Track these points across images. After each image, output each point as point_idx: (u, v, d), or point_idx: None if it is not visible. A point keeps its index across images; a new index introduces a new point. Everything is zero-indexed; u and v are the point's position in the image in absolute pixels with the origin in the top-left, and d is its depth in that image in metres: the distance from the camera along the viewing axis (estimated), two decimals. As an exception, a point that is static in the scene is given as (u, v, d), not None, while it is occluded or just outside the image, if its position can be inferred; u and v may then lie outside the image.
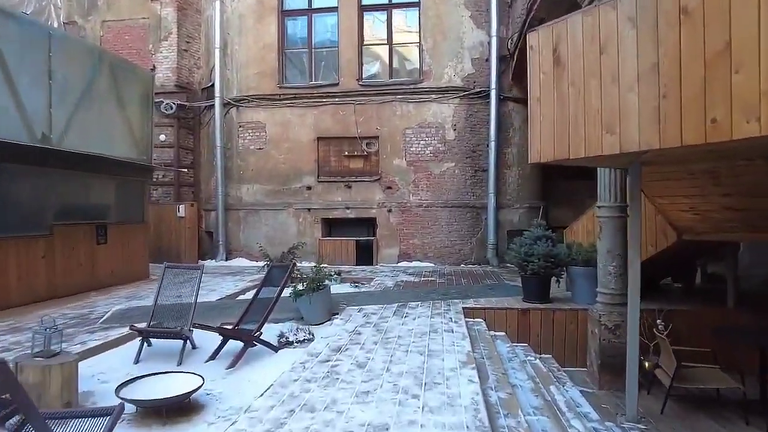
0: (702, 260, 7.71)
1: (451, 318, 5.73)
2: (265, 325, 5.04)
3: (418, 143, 11.55)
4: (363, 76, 11.88)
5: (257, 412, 3.05)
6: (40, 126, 6.87)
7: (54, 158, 7.15)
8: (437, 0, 11.44)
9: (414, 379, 3.64)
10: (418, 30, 11.69)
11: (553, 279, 6.56)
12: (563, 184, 11.81)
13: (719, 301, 6.36)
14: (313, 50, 12.25)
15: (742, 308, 6.09)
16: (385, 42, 11.98)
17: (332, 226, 12.16)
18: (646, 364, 5.21)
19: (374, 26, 12.19)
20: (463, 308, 6.25)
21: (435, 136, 11.50)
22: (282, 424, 2.88)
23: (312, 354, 4.36)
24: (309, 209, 11.93)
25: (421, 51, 11.60)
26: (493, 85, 11.09)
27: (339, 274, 9.35)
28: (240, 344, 4.73)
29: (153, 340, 4.94)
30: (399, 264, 11.38)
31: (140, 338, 4.80)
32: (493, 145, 11.14)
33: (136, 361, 4.65)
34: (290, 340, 5.15)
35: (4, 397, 2.10)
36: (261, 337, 4.88)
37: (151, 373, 3.83)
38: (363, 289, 8.23)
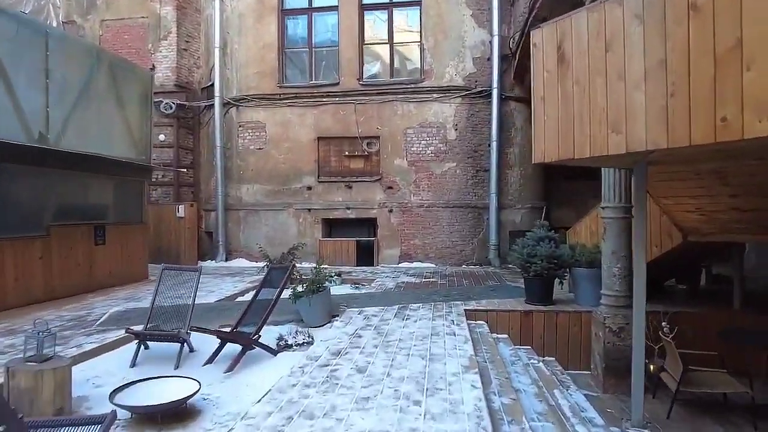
0: (707, 261, 7.61)
1: (452, 320, 5.65)
2: (264, 327, 4.97)
3: (419, 143, 11.46)
4: (364, 76, 11.80)
5: (254, 419, 2.97)
6: (37, 125, 6.79)
7: (51, 158, 7.07)
8: (438, -1, 11.36)
9: (415, 385, 3.56)
10: (419, 29, 11.60)
11: (556, 281, 6.48)
12: (565, 185, 11.74)
13: (725, 302, 6.28)
14: (313, 49, 12.17)
15: (749, 309, 6.00)
16: (386, 41, 11.90)
17: (333, 227, 12.07)
18: (651, 368, 5.12)
19: (375, 25, 12.11)
20: (465, 310, 6.17)
21: (436, 136, 11.42)
22: (279, 432, 2.80)
23: (311, 358, 4.28)
24: (309, 209, 11.85)
25: (422, 50, 11.52)
26: (495, 85, 11.00)
27: (339, 275, 9.28)
28: (238, 347, 4.66)
29: (150, 343, 4.86)
30: (400, 265, 11.29)
31: (137, 341, 4.73)
32: (494, 144, 11.05)
33: (133, 365, 4.57)
34: (289, 343, 5.07)
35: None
36: (260, 340, 4.80)
37: (146, 377, 3.75)
38: (363, 291, 8.15)
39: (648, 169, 4.35)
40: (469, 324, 5.61)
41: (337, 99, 11.68)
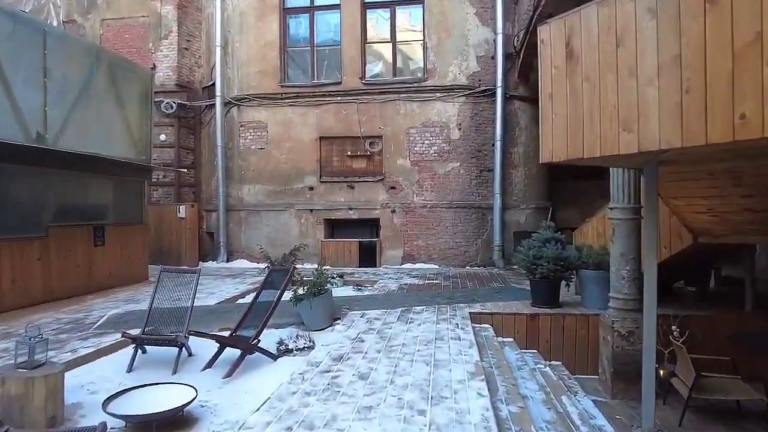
0: (718, 263, 7.46)
1: (457, 324, 5.52)
2: (264, 330, 4.85)
3: (422, 143, 11.33)
4: (366, 75, 11.67)
5: (252, 430, 2.85)
6: (35, 125, 6.69)
7: (50, 158, 6.97)
8: (442, -3, 11.22)
9: (420, 393, 3.43)
10: (421, 27, 11.47)
11: (563, 283, 6.35)
12: (570, 184, 11.60)
13: (736, 304, 6.13)
14: (315, 48, 12.04)
15: (761, 312, 5.84)
16: (389, 40, 11.76)
17: (335, 227, 11.96)
18: (661, 373, 4.98)
19: (377, 24, 11.98)
20: (470, 313, 6.04)
21: (439, 136, 11.28)
22: (278, 444, 2.68)
23: (312, 363, 4.16)
24: (311, 210, 11.74)
25: (425, 49, 11.39)
26: (499, 84, 10.86)
27: (341, 276, 9.18)
28: (238, 351, 4.55)
29: (148, 347, 4.75)
30: (403, 266, 11.16)
31: (134, 345, 4.62)
32: (498, 144, 10.91)
33: (130, 370, 4.47)
34: (290, 347, 4.96)
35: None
36: (260, 345, 4.69)
37: (141, 384, 3.64)
38: (366, 293, 8.03)
39: (659, 169, 4.23)
40: (474, 327, 5.48)
41: (339, 98, 11.56)
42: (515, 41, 10.75)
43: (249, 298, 6.04)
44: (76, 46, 7.96)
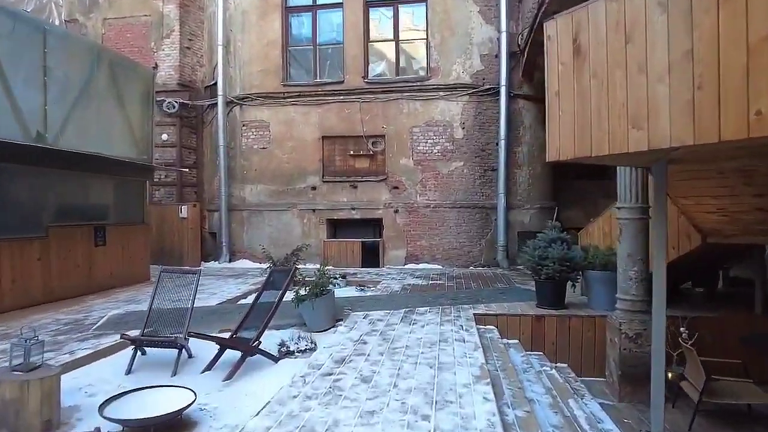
0: (727, 264, 7.35)
1: (461, 325, 5.43)
2: (266, 332, 4.78)
3: (426, 142, 11.24)
4: (369, 74, 11.59)
5: (251, 435, 2.78)
6: (35, 124, 6.64)
7: (50, 157, 6.92)
8: (445, -5, 11.13)
9: (424, 397, 3.35)
10: (425, 26, 11.38)
11: (569, 284, 6.25)
12: (575, 184, 11.49)
13: (745, 306, 6.03)
14: (317, 47, 11.97)
15: (771, 314, 5.75)
16: (392, 38, 11.68)
17: (337, 227, 11.88)
18: (670, 375, 4.90)
19: (380, 23, 11.89)
20: (474, 314, 5.96)
21: (443, 135, 11.19)
22: (278, 450, 2.61)
23: (313, 366, 4.08)
24: (314, 210, 11.66)
25: (428, 47, 11.31)
26: (503, 82, 10.76)
27: (344, 276, 9.11)
28: (238, 353, 4.47)
29: (147, 349, 4.69)
30: (406, 266, 11.07)
31: (133, 347, 4.55)
32: (502, 143, 10.81)
33: (129, 372, 4.40)
34: (291, 349, 4.89)
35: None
36: (260, 346, 4.61)
37: (139, 387, 3.57)
38: (369, 293, 7.95)
39: (668, 168, 4.14)
40: (478, 329, 5.39)
41: (341, 97, 11.48)
42: (519, 39, 10.65)
43: (251, 299, 5.96)
44: (76, 45, 7.91)
